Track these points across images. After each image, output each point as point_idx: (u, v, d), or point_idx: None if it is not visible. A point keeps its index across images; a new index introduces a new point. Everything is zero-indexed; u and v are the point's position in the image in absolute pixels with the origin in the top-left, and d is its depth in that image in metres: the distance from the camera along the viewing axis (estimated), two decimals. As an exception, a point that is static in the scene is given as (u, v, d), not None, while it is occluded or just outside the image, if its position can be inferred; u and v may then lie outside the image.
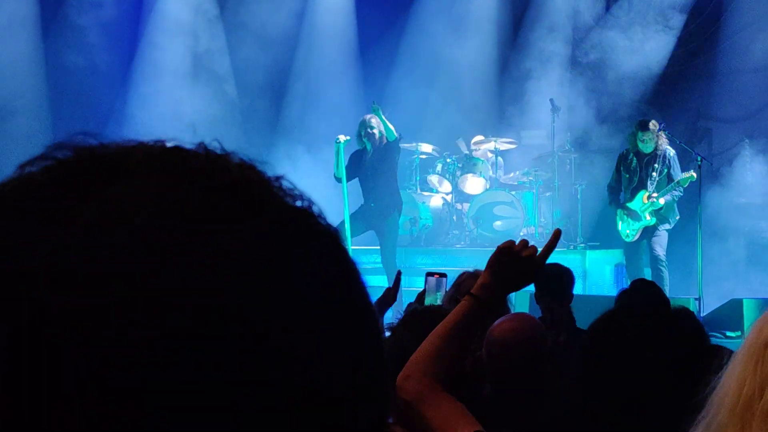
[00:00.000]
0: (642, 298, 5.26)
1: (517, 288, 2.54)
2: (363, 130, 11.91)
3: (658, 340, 2.71)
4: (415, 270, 13.46)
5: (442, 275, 4.86)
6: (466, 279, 4.75)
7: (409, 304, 4.93)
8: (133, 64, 16.24)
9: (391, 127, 11.71)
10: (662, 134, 11.11)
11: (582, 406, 2.74)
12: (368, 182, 11.85)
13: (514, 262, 2.51)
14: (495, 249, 2.59)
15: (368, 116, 11.98)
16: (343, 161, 11.80)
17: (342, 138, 11.75)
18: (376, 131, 11.82)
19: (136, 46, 16.29)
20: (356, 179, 12.05)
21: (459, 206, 14.19)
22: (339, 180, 11.90)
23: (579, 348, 2.99)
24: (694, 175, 10.85)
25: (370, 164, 11.83)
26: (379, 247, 12.21)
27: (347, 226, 11.56)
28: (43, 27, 15.75)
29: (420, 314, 3.35)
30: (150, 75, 16.10)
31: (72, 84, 15.51)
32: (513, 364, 3.34)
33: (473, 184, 14.14)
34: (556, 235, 2.56)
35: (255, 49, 16.08)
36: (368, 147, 11.86)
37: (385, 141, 11.85)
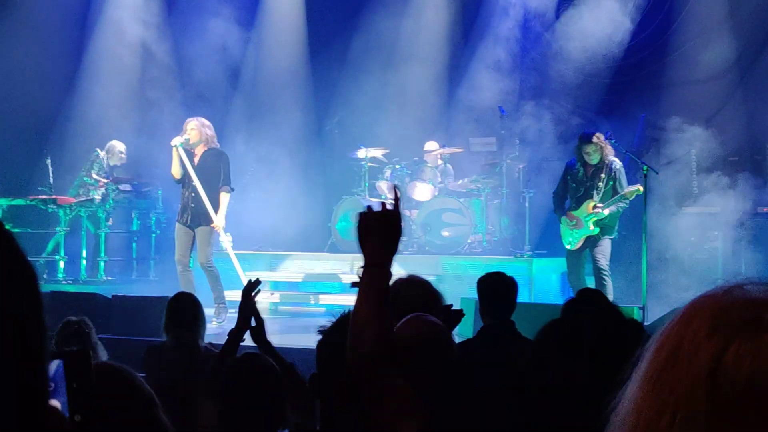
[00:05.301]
0: (589, 308, 5.24)
1: (395, 242, 2.67)
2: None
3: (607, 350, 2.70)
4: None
5: None
6: (400, 287, 4.60)
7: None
8: (81, 64, 16.10)
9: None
10: (608, 144, 11.12)
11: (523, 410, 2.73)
12: (191, 183, 11.42)
13: (377, 220, 2.66)
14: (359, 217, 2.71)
15: (195, 120, 11.60)
16: (182, 162, 11.42)
17: (177, 140, 11.38)
18: (207, 135, 11.48)
19: (84, 46, 16.16)
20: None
21: (407, 213, 14.17)
22: (177, 181, 11.60)
23: (528, 355, 2.98)
24: (641, 189, 10.85)
25: (198, 167, 11.44)
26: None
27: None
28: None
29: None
30: (97, 76, 15.97)
31: (18, 82, 15.33)
32: (422, 365, 3.31)
33: (422, 191, 14.13)
34: (396, 195, 2.81)
35: (205, 53, 15.99)
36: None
37: (214, 146, 11.56)
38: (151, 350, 6.02)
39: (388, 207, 2.69)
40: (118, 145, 14.33)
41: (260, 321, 4.74)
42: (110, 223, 14.08)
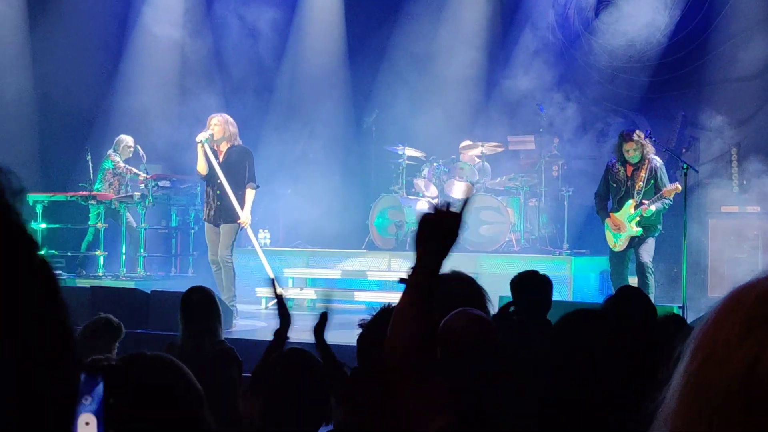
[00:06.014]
0: (628, 306, 5.24)
1: (449, 246, 2.62)
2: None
3: (645, 346, 2.71)
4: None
5: None
6: (446, 281, 4.65)
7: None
8: (122, 59, 16.21)
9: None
10: (648, 142, 11.06)
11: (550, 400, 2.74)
12: (216, 181, 11.33)
13: (437, 224, 2.62)
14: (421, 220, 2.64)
15: (219, 116, 11.53)
16: (207, 158, 11.29)
17: (202, 136, 11.26)
18: (230, 132, 11.38)
19: (124, 42, 16.26)
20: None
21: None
22: (203, 178, 11.49)
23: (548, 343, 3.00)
24: (679, 187, 10.80)
25: (222, 164, 11.33)
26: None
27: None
28: (30, 22, 15.75)
29: (391, 312, 3.36)
30: (137, 72, 16.07)
31: (59, 79, 15.46)
32: (469, 357, 3.33)
33: (459, 189, 14.11)
34: (469, 191, 2.70)
35: (243, 49, 16.07)
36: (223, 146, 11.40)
37: (238, 143, 11.47)
38: (171, 346, 6.05)
39: (453, 209, 2.66)
40: (126, 139, 14.28)
41: (324, 315, 4.85)
42: (129, 219, 14.10)
